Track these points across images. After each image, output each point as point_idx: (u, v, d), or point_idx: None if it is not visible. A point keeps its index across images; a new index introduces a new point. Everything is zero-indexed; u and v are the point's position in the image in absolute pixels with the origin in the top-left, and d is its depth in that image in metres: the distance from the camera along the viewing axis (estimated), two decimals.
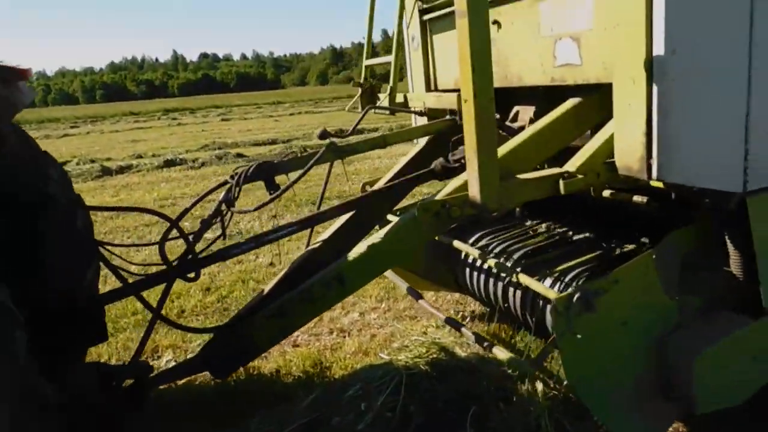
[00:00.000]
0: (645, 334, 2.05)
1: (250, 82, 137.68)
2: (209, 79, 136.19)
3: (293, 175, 2.20)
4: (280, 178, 2.29)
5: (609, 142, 1.99)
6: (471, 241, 2.99)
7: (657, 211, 2.57)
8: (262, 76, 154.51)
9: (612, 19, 1.86)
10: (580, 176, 1.94)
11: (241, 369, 2.82)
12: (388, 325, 3.63)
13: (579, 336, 1.91)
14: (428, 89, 3.11)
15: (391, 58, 3.07)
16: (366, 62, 3.12)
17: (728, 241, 2.12)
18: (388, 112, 2.91)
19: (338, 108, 31.77)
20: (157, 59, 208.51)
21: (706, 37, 1.75)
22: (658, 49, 1.72)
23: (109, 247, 2.16)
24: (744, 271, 2.11)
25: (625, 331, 2.02)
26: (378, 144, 2.64)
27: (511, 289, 2.83)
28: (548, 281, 2.44)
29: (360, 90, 3.07)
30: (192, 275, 1.97)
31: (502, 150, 2.08)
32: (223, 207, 2.09)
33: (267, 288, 2.40)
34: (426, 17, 3.00)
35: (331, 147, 2.28)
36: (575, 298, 1.90)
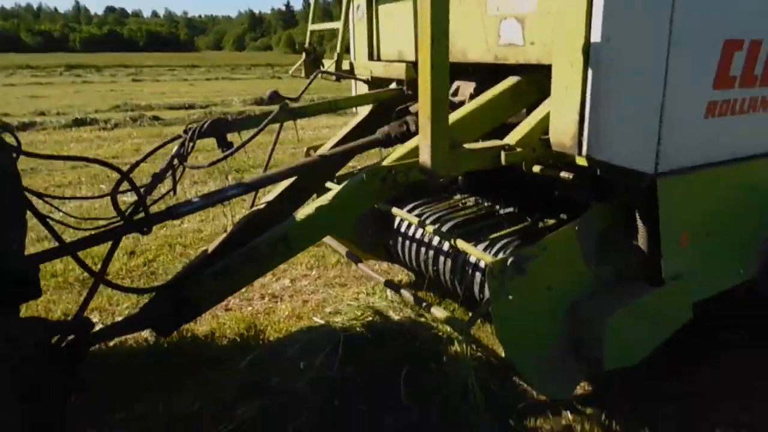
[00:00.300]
0: (566, 299, 2.27)
1: (162, 42, 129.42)
2: (116, 36, 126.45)
3: (245, 135, 2.20)
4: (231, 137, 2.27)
5: (545, 120, 2.15)
6: (405, 210, 3.12)
7: (576, 189, 2.80)
8: (174, 37, 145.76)
9: (555, 5, 2.00)
10: (518, 149, 2.09)
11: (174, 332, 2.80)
12: (319, 291, 3.71)
13: (511, 297, 2.09)
14: (371, 58, 3.17)
15: (336, 24, 3.09)
16: (311, 27, 3.12)
17: (638, 218, 2.38)
18: (333, 77, 2.94)
19: (258, 76, 30.86)
20: (56, 9, 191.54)
21: (635, 31, 1.94)
22: (595, 36, 1.88)
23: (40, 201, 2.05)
24: (649, 246, 2.37)
25: (549, 296, 2.22)
26: (329, 108, 2.68)
27: (442, 257, 2.99)
28: (481, 247, 2.61)
29: (304, 55, 3.07)
30: (145, 229, 1.93)
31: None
32: (176, 162, 2.05)
33: (211, 247, 2.38)
34: None
35: (285, 108, 2.29)
36: (509, 262, 2.07)
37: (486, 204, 3.30)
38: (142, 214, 1.94)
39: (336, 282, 3.86)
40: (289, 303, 3.52)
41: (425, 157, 1.93)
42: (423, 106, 1.88)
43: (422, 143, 1.93)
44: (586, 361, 2.32)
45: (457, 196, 3.49)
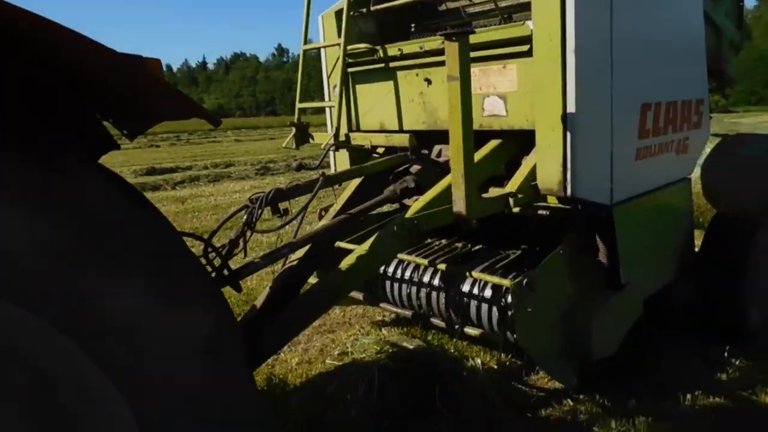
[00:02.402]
0: (561, 307, 2.88)
1: None
2: None
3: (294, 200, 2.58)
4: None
5: (532, 171, 2.78)
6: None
7: (530, 221, 3.45)
8: None
9: (533, 85, 2.67)
10: (520, 195, 2.70)
11: None
12: (313, 339, 4.00)
13: (529, 310, 2.65)
14: (350, 130, 3.69)
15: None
16: (299, 105, 3.58)
17: (599, 240, 3.07)
18: (333, 148, 3.40)
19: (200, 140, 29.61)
20: None
21: (593, 101, 2.66)
22: (570, 107, 2.57)
23: None
24: (609, 260, 3.07)
25: (550, 306, 2.82)
26: (358, 173, 3.13)
27: (435, 293, 3.48)
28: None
29: (294, 129, 3.51)
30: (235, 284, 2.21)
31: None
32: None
33: (258, 302, 2.67)
34: (350, 70, 3.59)
35: (324, 176, 2.71)
36: (524, 282, 2.63)
37: (457, 244, 3.86)
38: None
39: (323, 329, 4.17)
40: (291, 353, 3.77)
41: (460, 207, 2.46)
42: (455, 166, 2.42)
43: (456, 195, 2.46)
44: (581, 355, 2.93)
45: (428, 240, 4.02)
